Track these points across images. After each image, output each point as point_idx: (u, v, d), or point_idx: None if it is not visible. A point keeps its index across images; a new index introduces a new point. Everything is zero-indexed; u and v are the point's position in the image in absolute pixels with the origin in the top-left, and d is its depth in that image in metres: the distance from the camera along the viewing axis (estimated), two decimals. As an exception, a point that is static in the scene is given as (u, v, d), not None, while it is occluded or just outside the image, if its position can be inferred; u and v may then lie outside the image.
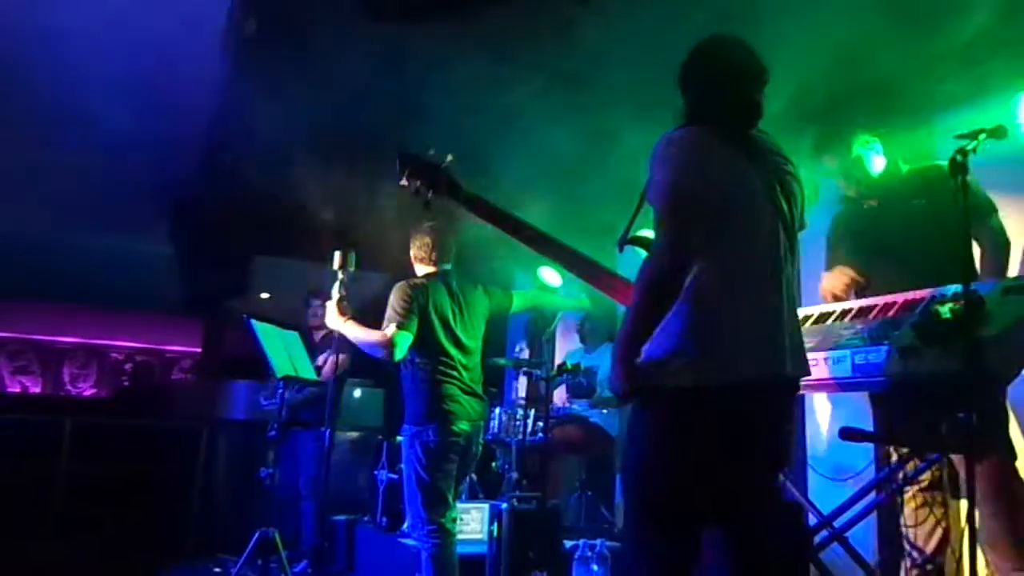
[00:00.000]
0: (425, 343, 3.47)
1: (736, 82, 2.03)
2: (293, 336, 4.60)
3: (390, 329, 3.36)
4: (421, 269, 3.71)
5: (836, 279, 3.17)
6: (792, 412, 2.01)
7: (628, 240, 2.12)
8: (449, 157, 2.65)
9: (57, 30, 4.26)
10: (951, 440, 2.53)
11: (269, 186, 5.99)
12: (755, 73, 2.05)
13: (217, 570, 4.88)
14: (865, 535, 3.34)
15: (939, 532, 2.92)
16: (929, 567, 2.93)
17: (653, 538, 1.88)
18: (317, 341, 5.11)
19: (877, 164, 3.24)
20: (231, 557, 4.62)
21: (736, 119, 2.02)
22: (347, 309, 3.55)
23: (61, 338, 11.33)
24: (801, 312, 2.98)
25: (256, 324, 4.22)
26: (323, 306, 5.32)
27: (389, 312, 3.42)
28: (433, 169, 2.63)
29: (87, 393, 11.37)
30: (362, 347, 3.50)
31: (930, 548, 2.93)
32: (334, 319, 3.53)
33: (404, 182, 2.65)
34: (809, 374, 2.04)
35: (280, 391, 4.37)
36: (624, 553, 2.04)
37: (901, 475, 2.87)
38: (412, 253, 3.74)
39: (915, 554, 2.97)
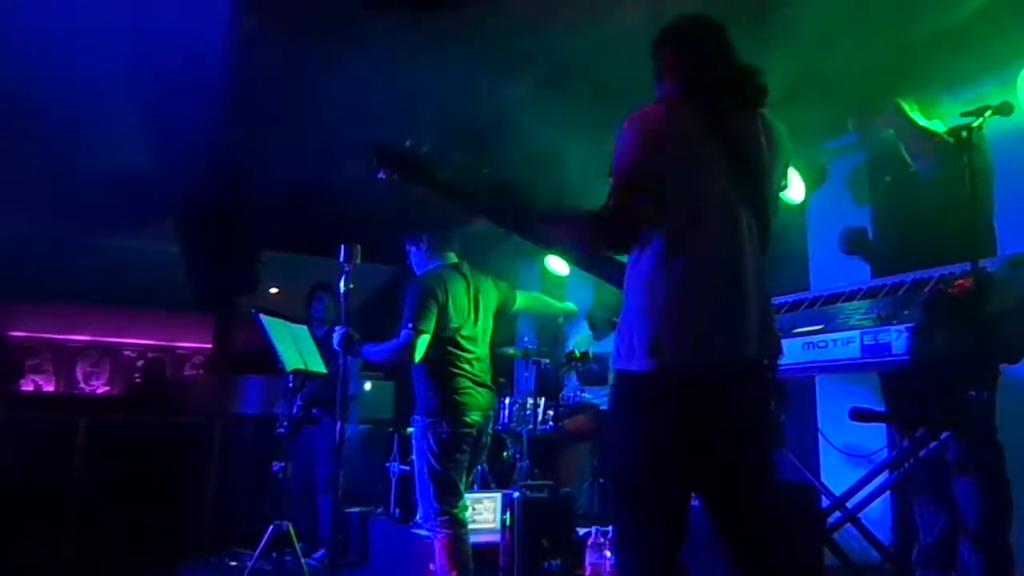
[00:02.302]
0: (440, 336, 3.46)
1: (711, 57, 2.00)
2: (302, 329, 4.61)
3: (407, 333, 3.37)
4: (433, 260, 3.68)
5: None
6: (769, 394, 1.96)
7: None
8: (425, 148, 2.61)
9: (63, 33, 4.26)
10: (962, 419, 2.53)
11: (275, 181, 6.02)
12: (729, 51, 2.02)
13: (233, 563, 4.91)
14: (880, 516, 3.33)
15: (947, 512, 2.91)
16: (938, 548, 2.92)
17: (637, 524, 1.88)
18: (319, 336, 5.13)
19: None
20: (246, 550, 4.65)
21: (710, 95, 1.96)
22: (354, 334, 3.54)
23: (74, 336, 11.40)
24: (810, 294, 2.98)
25: (264, 318, 4.23)
26: (331, 300, 5.38)
27: (408, 312, 3.41)
28: (408, 160, 2.59)
29: (100, 391, 11.44)
30: (382, 362, 3.53)
31: (938, 530, 2.93)
32: (348, 347, 3.52)
33: (382, 175, 2.62)
34: (781, 355, 2.00)
35: (290, 385, 4.38)
36: (614, 542, 2.03)
37: (912, 455, 2.86)
38: (421, 245, 3.71)
39: (926, 534, 2.96)
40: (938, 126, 3.16)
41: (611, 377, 1.97)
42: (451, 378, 3.48)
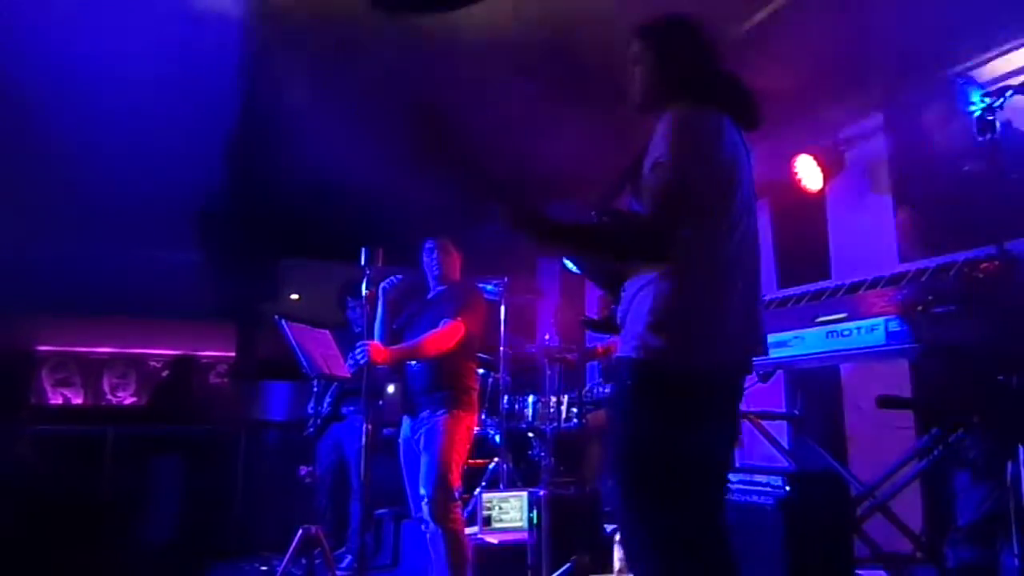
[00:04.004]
0: (477, 344, 3.73)
1: (712, 63, 2.03)
2: (324, 334, 4.64)
3: (448, 321, 3.55)
4: (458, 271, 3.87)
5: None
6: None
7: (604, 212, 2.03)
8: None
9: (82, 51, 4.33)
10: (991, 406, 2.49)
11: (293, 189, 6.07)
12: (720, 58, 2.05)
13: (263, 568, 4.95)
14: (910, 504, 3.30)
15: (988, 502, 2.87)
16: (975, 528, 2.89)
17: (690, 525, 1.81)
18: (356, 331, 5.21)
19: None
20: (277, 555, 4.68)
21: (737, 105, 1.99)
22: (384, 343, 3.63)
23: (99, 349, 11.51)
24: (832, 282, 2.96)
25: (287, 324, 4.26)
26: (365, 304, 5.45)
27: (459, 306, 3.61)
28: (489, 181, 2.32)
29: (127, 402, 11.54)
30: (419, 354, 3.58)
31: (980, 512, 2.89)
32: (381, 355, 3.51)
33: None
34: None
35: (315, 390, 4.42)
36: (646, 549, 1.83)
37: (942, 442, 2.84)
38: (459, 256, 3.89)
39: (965, 515, 2.93)
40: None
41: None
42: (475, 379, 3.71)
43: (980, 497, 2.91)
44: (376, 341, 3.61)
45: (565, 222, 1.93)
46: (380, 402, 5.34)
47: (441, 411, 3.54)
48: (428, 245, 3.87)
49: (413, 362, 3.66)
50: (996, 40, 3.54)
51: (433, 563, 3.51)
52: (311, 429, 4.43)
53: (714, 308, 1.84)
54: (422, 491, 3.46)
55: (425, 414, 3.59)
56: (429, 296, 3.86)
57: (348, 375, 4.62)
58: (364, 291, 3.59)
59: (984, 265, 2.40)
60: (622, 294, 1.96)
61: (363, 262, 3.57)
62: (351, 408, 5.09)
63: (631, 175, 1.97)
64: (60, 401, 11.18)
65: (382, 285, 3.82)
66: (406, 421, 3.73)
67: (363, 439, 3.54)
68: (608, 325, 2.01)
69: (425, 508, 3.44)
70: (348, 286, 5.48)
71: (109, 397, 11.48)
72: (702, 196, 1.83)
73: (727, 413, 1.93)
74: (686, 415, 1.80)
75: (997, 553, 2.75)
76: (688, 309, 1.83)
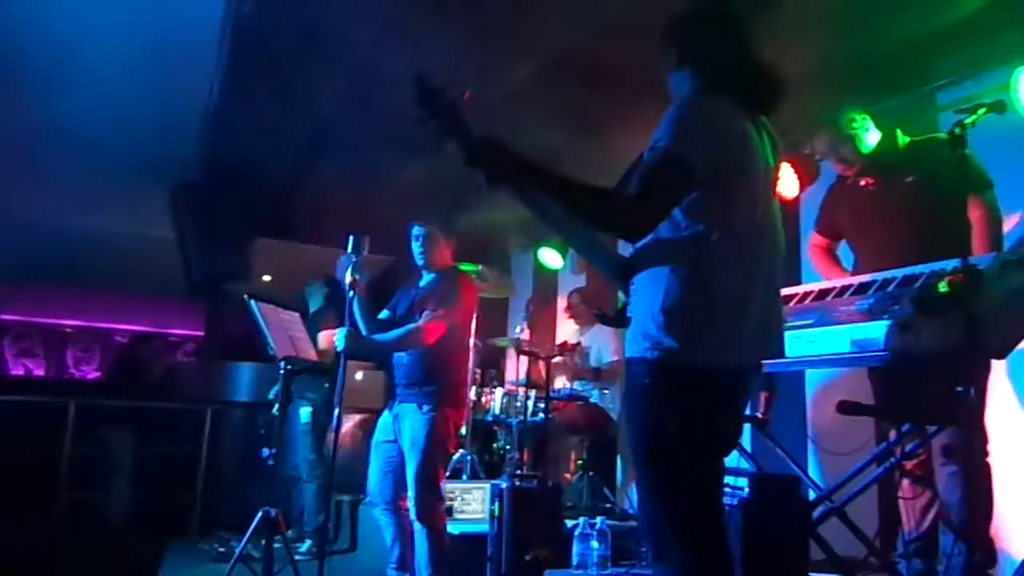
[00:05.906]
0: (467, 334, 3.72)
1: (739, 50, 2.00)
2: (293, 316, 4.61)
3: (430, 316, 3.46)
4: (448, 261, 3.77)
5: None
6: None
7: None
8: (467, 92, 2.21)
9: (55, 14, 4.25)
10: (948, 414, 2.55)
11: (270, 168, 6.01)
12: (750, 44, 2.01)
13: (221, 549, 4.92)
14: (866, 510, 3.35)
15: (935, 506, 2.95)
16: (924, 540, 2.96)
17: (691, 493, 1.85)
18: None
19: (870, 140, 3.24)
20: (235, 536, 4.65)
21: (755, 93, 1.97)
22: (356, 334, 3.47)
23: (64, 321, 11.33)
24: (800, 289, 2.99)
25: (256, 304, 4.22)
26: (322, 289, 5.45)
27: (441, 300, 3.52)
28: (449, 106, 2.05)
29: (91, 376, 11.38)
30: (397, 348, 3.55)
31: (927, 522, 2.96)
32: (356, 349, 3.44)
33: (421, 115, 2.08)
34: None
35: (281, 372, 4.38)
36: (656, 514, 1.90)
37: (899, 450, 2.89)
38: (450, 244, 3.77)
39: (911, 527, 3.00)
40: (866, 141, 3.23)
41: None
42: (465, 373, 3.69)
43: (923, 506, 2.98)
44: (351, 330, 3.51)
45: (538, 162, 1.85)
46: (326, 384, 5.36)
47: (427, 407, 3.47)
48: (416, 232, 3.72)
49: (403, 353, 3.58)
50: (970, 60, 3.60)
51: (416, 558, 3.49)
52: (276, 411, 4.43)
53: (727, 307, 1.83)
54: (410, 492, 3.44)
55: (411, 408, 3.51)
56: (420, 283, 3.77)
57: (316, 358, 4.60)
58: (348, 278, 3.45)
59: (949, 277, 2.44)
60: (631, 287, 1.94)
61: (349, 249, 3.46)
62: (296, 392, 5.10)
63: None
64: (21, 372, 11.00)
65: (339, 274, 3.53)
66: (387, 412, 3.65)
67: (335, 424, 3.52)
68: (620, 319, 1.97)
69: (412, 507, 3.43)
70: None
71: (72, 371, 11.31)
72: (703, 184, 1.81)
73: (737, 410, 1.97)
74: (700, 411, 1.82)
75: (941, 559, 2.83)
76: (700, 308, 1.82)
